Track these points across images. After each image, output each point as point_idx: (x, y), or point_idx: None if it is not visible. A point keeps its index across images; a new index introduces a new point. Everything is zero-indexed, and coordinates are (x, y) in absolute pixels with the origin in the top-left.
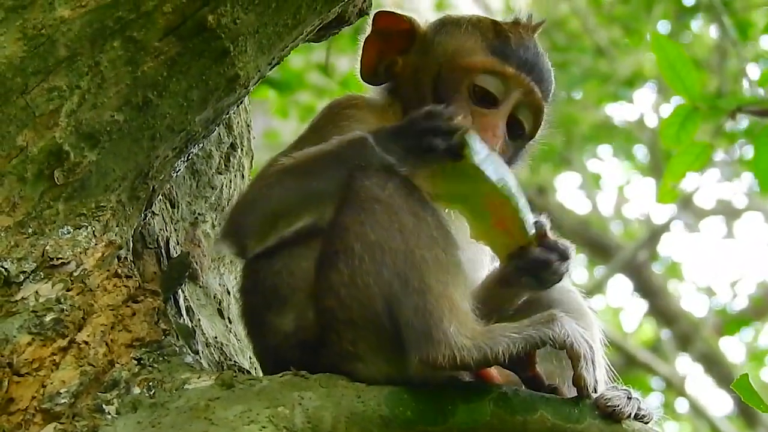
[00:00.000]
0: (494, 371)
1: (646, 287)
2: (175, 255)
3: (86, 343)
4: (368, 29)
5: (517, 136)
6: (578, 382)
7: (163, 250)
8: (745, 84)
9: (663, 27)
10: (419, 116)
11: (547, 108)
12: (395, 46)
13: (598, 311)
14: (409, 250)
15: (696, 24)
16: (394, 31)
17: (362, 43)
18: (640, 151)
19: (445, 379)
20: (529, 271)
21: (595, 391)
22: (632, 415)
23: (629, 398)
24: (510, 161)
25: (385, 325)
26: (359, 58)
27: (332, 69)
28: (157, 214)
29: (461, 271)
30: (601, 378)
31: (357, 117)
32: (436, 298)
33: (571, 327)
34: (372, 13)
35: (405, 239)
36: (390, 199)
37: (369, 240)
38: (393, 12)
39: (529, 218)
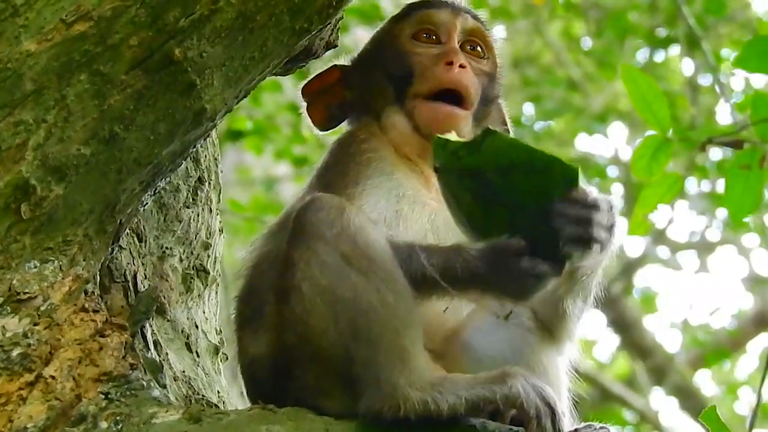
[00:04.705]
0: None
1: (620, 320)
2: (142, 289)
3: (53, 377)
4: (302, 104)
5: None
6: None
7: (130, 284)
8: (724, 102)
9: (637, 59)
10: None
11: None
12: (336, 91)
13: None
14: (358, 296)
15: (666, 56)
16: (329, 85)
17: (305, 113)
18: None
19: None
20: None
21: None
22: None
23: None
24: None
25: (340, 368)
26: (310, 124)
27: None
28: (125, 248)
29: (414, 314)
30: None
31: (372, 149)
32: (387, 348)
33: (524, 386)
34: (299, 89)
35: (353, 285)
36: (337, 239)
37: (320, 284)
38: (315, 75)
39: None
